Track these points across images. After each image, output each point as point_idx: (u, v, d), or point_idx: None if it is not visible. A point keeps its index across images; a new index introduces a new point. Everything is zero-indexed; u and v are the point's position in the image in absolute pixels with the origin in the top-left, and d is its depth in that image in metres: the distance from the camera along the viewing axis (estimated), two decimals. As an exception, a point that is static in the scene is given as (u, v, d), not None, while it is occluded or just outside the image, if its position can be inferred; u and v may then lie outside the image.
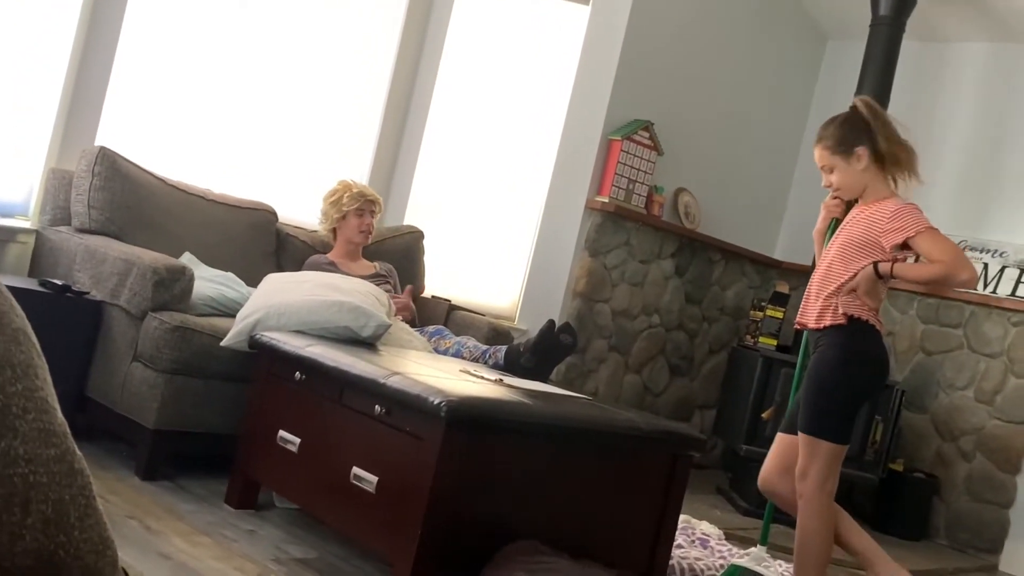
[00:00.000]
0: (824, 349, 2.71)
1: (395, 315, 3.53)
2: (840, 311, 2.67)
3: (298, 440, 2.72)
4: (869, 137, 2.70)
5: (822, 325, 2.70)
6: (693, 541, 3.59)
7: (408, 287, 4.01)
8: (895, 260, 2.64)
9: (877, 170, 2.71)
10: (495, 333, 3.99)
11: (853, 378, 2.68)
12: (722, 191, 5.48)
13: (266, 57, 4.24)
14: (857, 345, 2.68)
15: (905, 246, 2.64)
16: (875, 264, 2.63)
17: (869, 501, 5.01)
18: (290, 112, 4.36)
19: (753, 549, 3.14)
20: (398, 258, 4.24)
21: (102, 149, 3.48)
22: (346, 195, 3.92)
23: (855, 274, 2.66)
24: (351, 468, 2.51)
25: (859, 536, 2.79)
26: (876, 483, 4.74)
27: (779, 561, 3.13)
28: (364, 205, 3.92)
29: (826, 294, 2.70)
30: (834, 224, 2.88)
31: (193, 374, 3.05)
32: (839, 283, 2.68)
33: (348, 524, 2.59)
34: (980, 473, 4.93)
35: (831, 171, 2.78)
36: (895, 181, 2.74)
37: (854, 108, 2.77)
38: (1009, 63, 5.22)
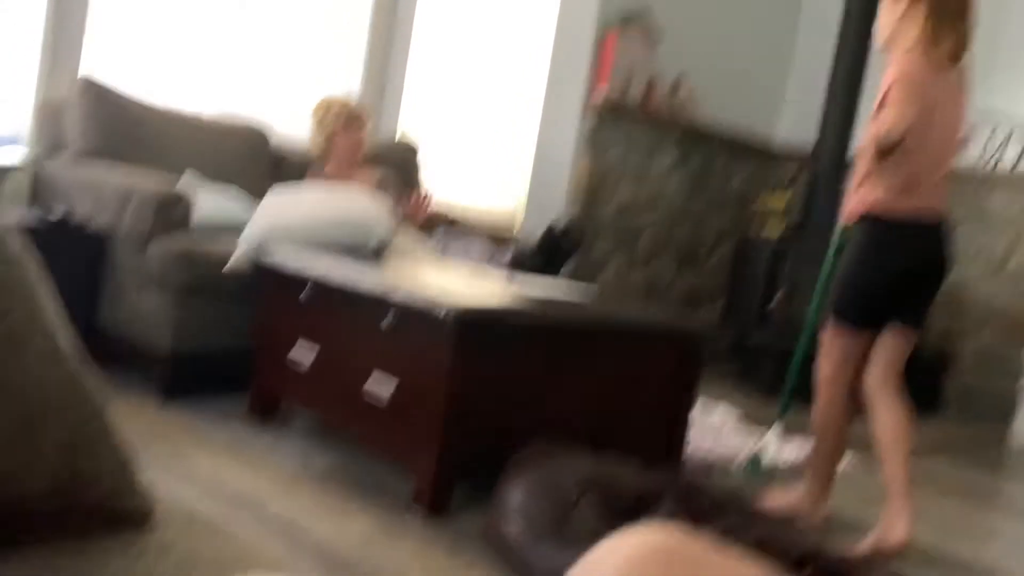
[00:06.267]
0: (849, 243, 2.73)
1: (404, 222, 3.51)
2: (855, 205, 2.64)
3: (311, 356, 2.74)
4: None
5: (848, 222, 2.71)
6: (707, 431, 3.63)
7: (425, 193, 3.97)
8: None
9: (920, 35, 2.53)
10: (497, 241, 3.98)
11: (863, 270, 2.68)
12: (722, 79, 5.38)
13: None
14: (866, 240, 2.66)
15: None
16: None
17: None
18: (277, 27, 4.27)
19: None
20: (394, 172, 4.19)
21: (88, 79, 3.42)
22: (328, 114, 3.84)
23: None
24: (364, 381, 2.53)
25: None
26: (886, 362, 4.77)
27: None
28: (348, 121, 3.85)
29: (851, 189, 2.68)
30: None
31: (203, 296, 3.05)
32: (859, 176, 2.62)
33: (367, 437, 2.62)
34: (989, 347, 4.95)
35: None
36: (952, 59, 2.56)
37: None
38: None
